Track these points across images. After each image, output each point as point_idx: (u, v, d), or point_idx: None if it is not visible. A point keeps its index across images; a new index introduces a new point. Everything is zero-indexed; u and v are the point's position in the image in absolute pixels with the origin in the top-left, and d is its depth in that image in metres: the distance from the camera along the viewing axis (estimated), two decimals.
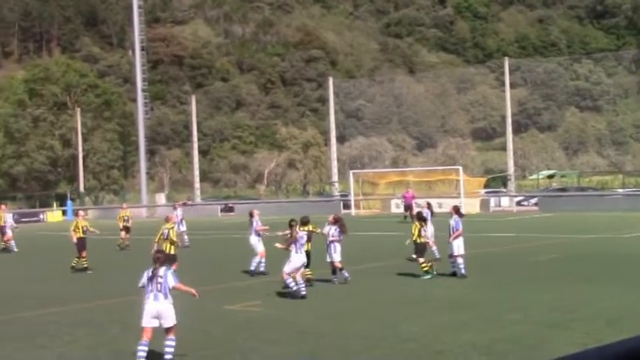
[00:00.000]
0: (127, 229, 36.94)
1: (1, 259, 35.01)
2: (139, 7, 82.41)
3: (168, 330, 12.59)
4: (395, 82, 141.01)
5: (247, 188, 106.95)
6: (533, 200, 64.73)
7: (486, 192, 68.98)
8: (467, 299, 17.98)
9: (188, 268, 26.33)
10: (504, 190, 72.35)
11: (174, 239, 23.57)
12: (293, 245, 19.59)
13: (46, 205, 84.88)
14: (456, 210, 23.48)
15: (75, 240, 27.73)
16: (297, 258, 19.48)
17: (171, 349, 12.53)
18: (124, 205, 41.76)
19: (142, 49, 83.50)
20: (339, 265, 21.50)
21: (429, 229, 25.59)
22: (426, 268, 22.11)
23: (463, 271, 22.01)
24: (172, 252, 22.64)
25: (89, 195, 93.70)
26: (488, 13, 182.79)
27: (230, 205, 76.48)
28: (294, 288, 19.27)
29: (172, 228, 23.59)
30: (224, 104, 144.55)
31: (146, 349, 12.57)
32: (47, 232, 57.49)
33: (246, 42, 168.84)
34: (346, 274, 21.38)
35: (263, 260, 24.35)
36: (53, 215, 76.62)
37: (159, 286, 12.56)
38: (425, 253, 22.58)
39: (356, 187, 67.16)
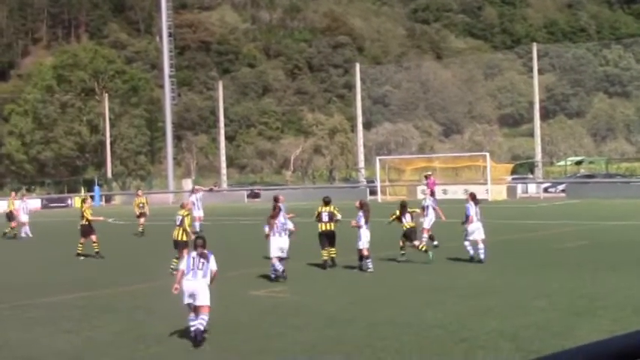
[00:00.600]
0: (143, 215, 37.22)
1: (26, 245, 35.26)
2: None
3: (201, 308, 13.06)
4: (422, 68, 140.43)
5: (273, 174, 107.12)
6: (561, 187, 64.35)
7: (513, 178, 68.67)
8: (492, 286, 17.90)
9: (214, 254, 26.41)
10: (531, 176, 71.98)
11: (188, 226, 23.00)
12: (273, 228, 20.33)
13: (74, 190, 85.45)
14: (472, 197, 23.43)
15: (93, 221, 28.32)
16: (274, 241, 20.08)
17: (204, 323, 12.98)
18: (139, 192, 41.98)
19: (170, 35, 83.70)
20: (365, 252, 21.38)
21: (428, 217, 26.28)
22: (424, 248, 22.78)
23: (472, 252, 22.40)
24: (184, 239, 22.07)
25: (116, 181, 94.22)
26: None
27: (256, 190, 76.60)
28: (279, 273, 19.90)
29: (188, 215, 23.21)
30: (251, 90, 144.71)
31: (195, 322, 13.07)
32: (75, 217, 57.87)
33: (273, 28, 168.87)
34: (369, 266, 21.19)
35: None
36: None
37: (201, 265, 13.33)
38: (414, 236, 23.02)
39: (382, 174, 67.09)
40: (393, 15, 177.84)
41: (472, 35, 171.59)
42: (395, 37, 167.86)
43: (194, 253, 13.58)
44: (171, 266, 21.60)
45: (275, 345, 12.80)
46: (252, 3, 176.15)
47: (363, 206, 21.92)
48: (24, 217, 39.55)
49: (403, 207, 23.40)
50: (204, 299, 13.10)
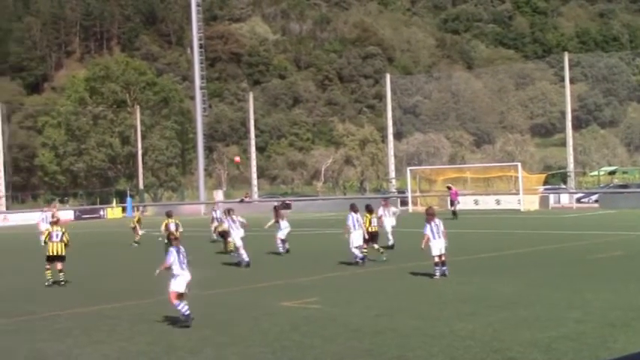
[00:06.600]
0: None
1: None
2: (198, 5, 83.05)
3: (185, 295, 15.73)
4: (452, 78, 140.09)
5: (304, 185, 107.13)
6: (594, 197, 63.76)
7: (546, 189, 68.14)
8: (524, 297, 17.72)
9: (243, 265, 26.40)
10: (564, 186, 71.43)
11: (68, 240, 23.78)
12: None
13: (106, 201, 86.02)
14: (353, 208, 25.97)
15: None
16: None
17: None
18: (139, 209, 43.81)
19: (200, 46, 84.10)
20: (435, 259, 21.38)
21: (388, 222, 30.44)
22: (381, 251, 26.24)
23: (360, 256, 25.25)
24: (63, 253, 23.51)
25: (148, 192, 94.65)
26: (547, 7, 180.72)
27: (287, 202, 76.56)
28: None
29: (65, 231, 23.91)
30: (281, 101, 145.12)
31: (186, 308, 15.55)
32: (107, 228, 58.26)
33: (303, 39, 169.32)
34: (438, 272, 21.33)
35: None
36: (113, 212, 77.61)
37: (186, 260, 15.92)
38: (377, 240, 26.34)
39: (413, 184, 66.86)
40: (423, 25, 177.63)
41: (503, 45, 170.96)
42: (425, 47, 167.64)
43: (180, 249, 15.96)
44: (49, 278, 23.36)
45: (307, 356, 12.75)
46: (283, 14, 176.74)
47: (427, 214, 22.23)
48: (43, 227, 40.25)
49: (370, 212, 26.60)
50: (189, 287, 15.91)
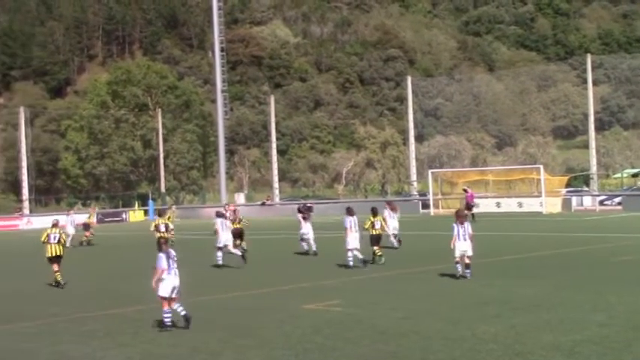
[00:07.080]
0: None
1: (82, 257, 35.61)
2: (219, 8, 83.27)
3: (177, 299, 15.76)
4: (474, 81, 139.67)
5: (325, 188, 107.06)
6: (617, 199, 63.39)
7: (568, 191, 67.82)
8: (547, 299, 17.65)
9: (268, 267, 26.45)
10: (587, 189, 71.07)
11: (65, 241, 25.11)
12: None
13: (128, 205, 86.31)
14: (349, 211, 25.97)
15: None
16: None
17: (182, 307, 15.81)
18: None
19: (222, 50, 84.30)
20: (457, 259, 21.65)
21: (391, 224, 30.96)
22: (380, 254, 26.28)
23: (351, 263, 25.26)
24: (61, 253, 24.22)
25: (170, 195, 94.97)
26: (570, 9, 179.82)
27: (309, 204, 76.55)
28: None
29: (62, 233, 24.90)
30: (302, 104, 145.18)
31: (171, 314, 15.61)
32: (129, 231, 58.52)
33: (324, 42, 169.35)
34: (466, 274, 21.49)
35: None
36: (135, 215, 77.91)
37: (175, 264, 15.82)
38: (379, 242, 26.55)
39: (435, 187, 66.75)
40: (444, 27, 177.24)
41: (525, 47, 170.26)
42: (446, 49, 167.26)
43: (170, 253, 15.81)
44: (60, 280, 23.82)
45: (329, 358, 12.77)
46: (304, 17, 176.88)
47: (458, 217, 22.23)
48: (70, 230, 41.11)
49: (374, 214, 26.63)
50: (179, 291, 15.81)
